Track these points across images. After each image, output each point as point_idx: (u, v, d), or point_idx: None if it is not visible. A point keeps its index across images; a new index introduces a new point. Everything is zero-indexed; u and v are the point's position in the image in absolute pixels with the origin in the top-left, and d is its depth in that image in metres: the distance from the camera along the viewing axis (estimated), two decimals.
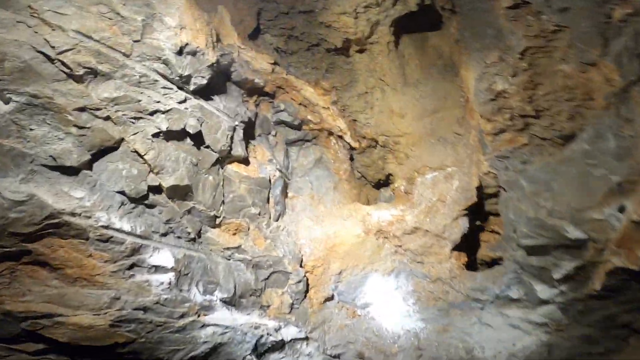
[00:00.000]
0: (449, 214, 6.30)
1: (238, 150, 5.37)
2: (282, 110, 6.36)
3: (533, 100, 5.09)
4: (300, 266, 6.20)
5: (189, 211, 4.94)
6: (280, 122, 6.44)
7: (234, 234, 5.65)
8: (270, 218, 6.04)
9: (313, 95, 6.38)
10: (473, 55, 5.32)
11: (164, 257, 4.62)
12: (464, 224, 6.33)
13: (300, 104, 6.40)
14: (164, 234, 4.72)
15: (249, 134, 5.86)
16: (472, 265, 6.81)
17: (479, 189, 6.19)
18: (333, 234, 6.41)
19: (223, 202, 5.34)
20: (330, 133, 6.75)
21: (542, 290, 5.25)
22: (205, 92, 4.90)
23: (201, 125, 4.79)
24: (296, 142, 6.69)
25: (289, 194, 6.60)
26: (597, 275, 4.57)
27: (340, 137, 6.79)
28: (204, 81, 4.67)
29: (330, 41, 5.99)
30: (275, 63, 6.03)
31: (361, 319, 6.70)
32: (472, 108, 5.78)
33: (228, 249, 5.50)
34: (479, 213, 6.60)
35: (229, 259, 5.60)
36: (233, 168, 5.44)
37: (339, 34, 5.89)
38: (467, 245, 6.69)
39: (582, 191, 4.68)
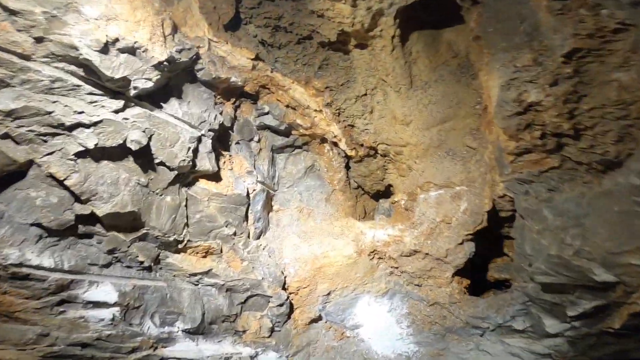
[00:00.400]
0: (453, 238, 4.97)
1: (205, 164, 4.03)
2: (266, 113, 4.88)
3: (574, 115, 3.58)
4: (284, 288, 4.99)
5: (140, 238, 3.72)
6: (265, 127, 4.98)
7: (204, 256, 4.43)
8: (249, 237, 4.78)
9: (303, 96, 4.88)
10: (498, 56, 3.78)
11: (103, 291, 3.62)
12: (469, 249, 5.03)
13: (287, 105, 4.91)
14: (106, 265, 3.58)
15: (223, 143, 4.47)
16: (475, 286, 5.48)
17: (491, 212, 4.70)
18: (321, 254, 5.15)
19: (187, 224, 4.08)
20: (324, 139, 5.28)
21: (552, 325, 4.45)
22: (155, 97, 3.52)
23: (150, 138, 3.45)
24: (284, 149, 5.26)
25: (275, 207, 5.26)
26: (619, 315, 3.89)
27: (335, 143, 5.30)
28: (150, 84, 3.28)
29: (323, 33, 4.44)
30: (257, 58, 4.53)
31: (350, 341, 5.59)
32: (491, 120, 4.22)
33: (194, 274, 4.32)
34: (489, 233, 5.14)
35: (197, 285, 4.42)
36: (200, 185, 4.14)
37: (333, 25, 4.34)
38: (472, 267, 5.33)
39: (622, 232, 3.57)
